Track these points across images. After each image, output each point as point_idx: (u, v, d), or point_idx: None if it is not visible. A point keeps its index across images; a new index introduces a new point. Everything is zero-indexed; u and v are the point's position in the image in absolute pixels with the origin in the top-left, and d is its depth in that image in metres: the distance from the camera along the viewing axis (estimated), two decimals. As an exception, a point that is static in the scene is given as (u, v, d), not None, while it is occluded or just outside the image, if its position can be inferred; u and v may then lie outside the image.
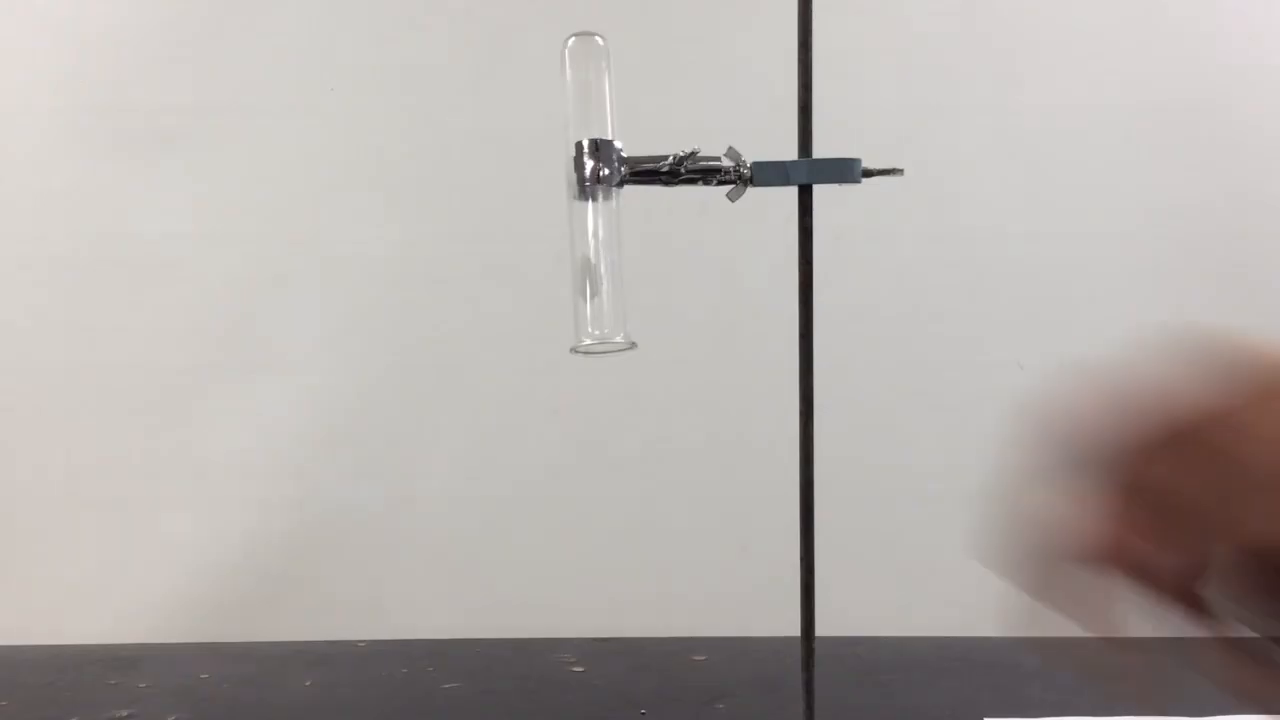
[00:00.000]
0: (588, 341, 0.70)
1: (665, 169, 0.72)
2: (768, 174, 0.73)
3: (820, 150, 0.74)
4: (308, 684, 1.19)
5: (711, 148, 0.74)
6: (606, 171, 0.71)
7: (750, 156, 0.74)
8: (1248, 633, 0.40)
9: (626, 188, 0.73)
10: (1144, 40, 1.33)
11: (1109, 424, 0.36)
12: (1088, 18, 1.33)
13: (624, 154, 0.73)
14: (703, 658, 1.24)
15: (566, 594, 1.39)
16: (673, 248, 1.33)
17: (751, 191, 0.73)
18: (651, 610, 1.36)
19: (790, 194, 0.75)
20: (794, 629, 0.79)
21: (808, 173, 0.74)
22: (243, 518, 1.40)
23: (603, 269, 0.70)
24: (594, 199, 0.71)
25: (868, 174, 0.74)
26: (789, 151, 0.74)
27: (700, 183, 0.73)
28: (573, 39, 0.73)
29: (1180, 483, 0.34)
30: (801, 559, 0.78)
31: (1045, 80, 1.34)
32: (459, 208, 1.38)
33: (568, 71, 0.72)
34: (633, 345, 0.71)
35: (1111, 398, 0.36)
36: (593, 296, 0.69)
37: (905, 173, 0.75)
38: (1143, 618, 0.42)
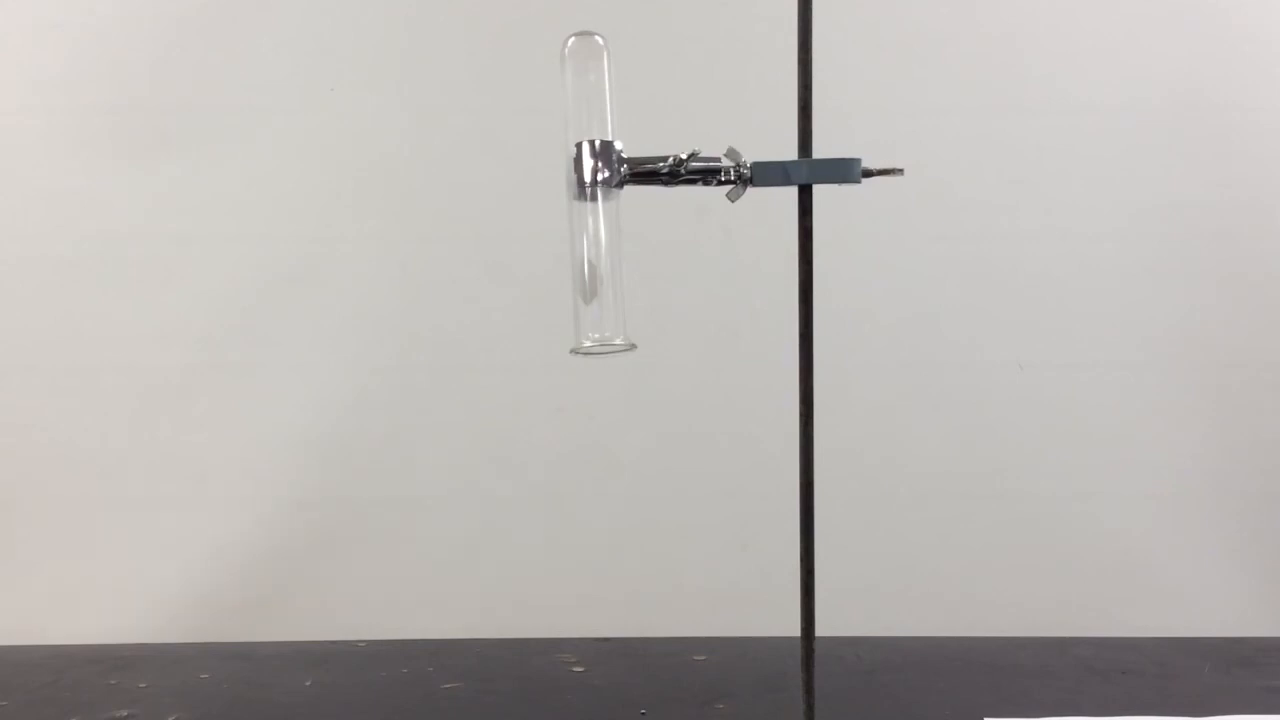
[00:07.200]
0: (588, 343, 0.70)
1: (665, 169, 0.72)
2: (768, 174, 0.73)
3: (820, 150, 0.74)
4: (308, 684, 1.19)
5: (711, 148, 0.74)
6: (607, 172, 0.71)
7: (750, 156, 0.74)
8: None
9: (626, 188, 0.73)
10: (1144, 41, 1.33)
11: None
12: (1088, 18, 1.33)
13: (624, 154, 0.73)
14: (703, 658, 1.24)
15: (566, 594, 1.39)
16: (673, 248, 1.33)
17: (751, 191, 0.74)
18: (651, 610, 1.36)
19: (790, 194, 0.75)
20: (794, 629, 0.79)
21: (808, 173, 0.74)
22: (243, 518, 1.40)
23: (603, 270, 0.70)
24: (594, 200, 0.71)
25: (868, 174, 0.74)
26: (789, 151, 0.75)
27: (700, 183, 0.73)
28: (573, 39, 0.73)
29: None
30: (801, 559, 0.78)
31: (1045, 80, 1.34)
32: (459, 208, 1.38)
33: (568, 71, 0.72)
34: (633, 346, 0.71)
35: None
36: (593, 298, 0.69)
37: (905, 173, 0.75)
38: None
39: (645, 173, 0.73)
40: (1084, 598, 1.36)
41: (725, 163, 0.73)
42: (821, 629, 0.79)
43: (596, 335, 0.70)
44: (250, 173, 1.38)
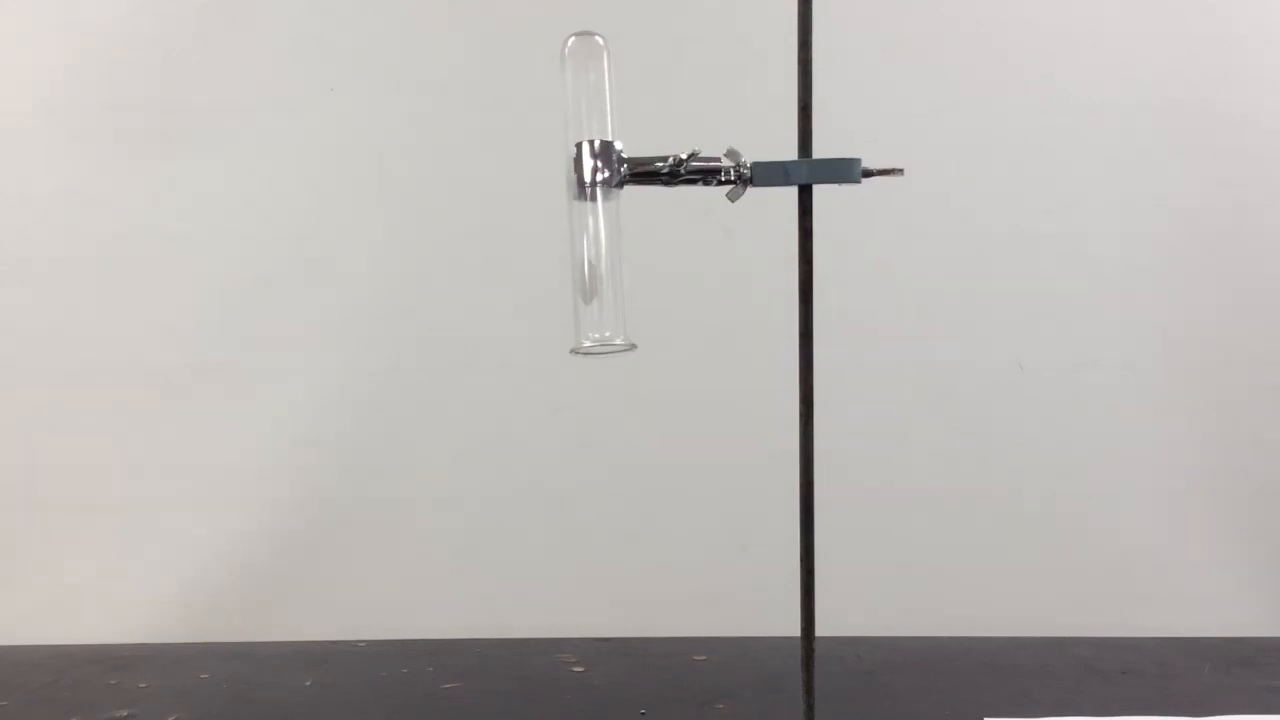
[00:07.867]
0: (588, 343, 0.70)
1: (665, 169, 0.72)
2: (768, 174, 0.73)
3: (820, 150, 0.74)
4: (308, 684, 1.19)
5: (711, 148, 0.74)
6: (606, 172, 0.71)
7: (750, 156, 0.74)
8: None
9: (626, 188, 0.73)
10: (1144, 40, 1.33)
11: None
12: (1087, 18, 1.33)
13: (624, 154, 0.73)
14: (703, 658, 1.24)
15: (566, 594, 1.39)
16: (673, 248, 1.33)
17: (751, 191, 0.74)
18: (651, 610, 1.36)
19: (790, 194, 0.75)
20: (794, 629, 0.79)
21: (808, 173, 0.74)
22: (243, 518, 1.40)
23: (603, 270, 0.70)
24: (594, 200, 0.71)
25: (868, 174, 0.74)
26: (789, 151, 0.75)
27: (700, 183, 0.73)
28: (573, 39, 0.73)
29: None
30: (801, 559, 0.78)
31: (1045, 80, 1.34)
32: (459, 208, 1.38)
33: (568, 71, 0.72)
34: (633, 346, 0.71)
35: None
36: (593, 298, 0.69)
37: (905, 173, 0.75)
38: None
39: (645, 173, 0.73)
40: (1084, 598, 1.35)
41: (725, 163, 0.73)
42: (821, 629, 0.79)
43: (596, 335, 0.70)
44: (249, 172, 1.38)
